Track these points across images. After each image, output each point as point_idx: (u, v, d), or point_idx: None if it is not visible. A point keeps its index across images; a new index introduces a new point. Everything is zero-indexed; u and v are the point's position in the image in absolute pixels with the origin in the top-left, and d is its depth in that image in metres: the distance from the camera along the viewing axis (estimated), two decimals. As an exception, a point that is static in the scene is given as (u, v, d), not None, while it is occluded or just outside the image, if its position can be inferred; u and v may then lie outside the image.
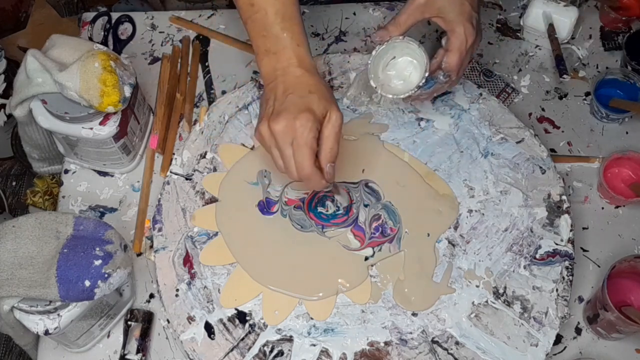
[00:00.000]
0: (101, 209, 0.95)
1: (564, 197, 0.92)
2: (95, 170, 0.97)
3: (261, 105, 0.81)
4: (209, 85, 1.04)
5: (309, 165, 0.77)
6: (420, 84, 0.85)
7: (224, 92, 1.03)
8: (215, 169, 0.95)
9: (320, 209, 0.91)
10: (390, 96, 0.87)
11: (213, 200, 0.93)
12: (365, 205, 0.92)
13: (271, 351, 0.84)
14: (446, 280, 0.88)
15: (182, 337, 0.85)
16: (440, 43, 0.88)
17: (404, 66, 0.90)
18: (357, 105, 0.98)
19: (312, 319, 0.86)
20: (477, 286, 0.87)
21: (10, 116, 1.42)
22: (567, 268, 0.88)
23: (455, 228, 0.91)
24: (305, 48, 0.81)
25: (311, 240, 0.90)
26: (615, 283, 0.83)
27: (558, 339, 0.86)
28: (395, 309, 0.86)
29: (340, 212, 0.91)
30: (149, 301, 0.90)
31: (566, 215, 0.91)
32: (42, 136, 0.96)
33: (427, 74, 0.85)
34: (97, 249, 0.77)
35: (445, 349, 0.84)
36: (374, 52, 0.87)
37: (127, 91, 0.86)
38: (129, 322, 0.87)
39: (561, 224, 0.91)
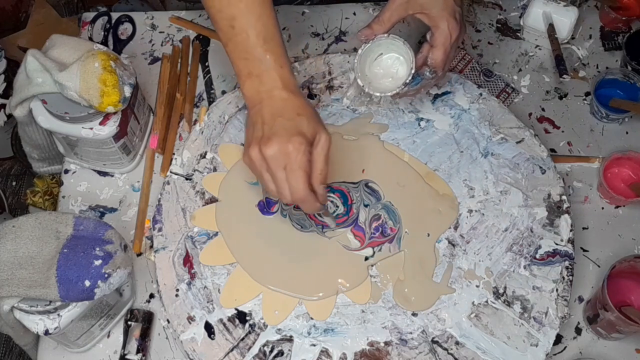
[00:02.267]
0: (101, 209, 0.95)
1: (564, 197, 0.92)
2: (95, 170, 0.97)
3: (247, 128, 0.80)
4: (209, 85, 1.04)
5: (304, 188, 0.76)
6: (407, 81, 0.86)
7: (224, 92, 1.03)
8: (215, 169, 0.95)
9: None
10: (378, 94, 0.87)
11: (213, 200, 0.93)
12: (365, 205, 0.92)
13: (271, 351, 0.84)
14: (446, 280, 0.88)
15: (182, 337, 0.85)
16: (425, 38, 0.88)
17: (390, 63, 0.90)
18: (357, 105, 0.98)
19: (312, 319, 0.86)
20: (477, 286, 0.87)
21: (10, 116, 1.42)
22: (567, 268, 0.88)
23: (455, 228, 0.91)
24: (288, 69, 0.80)
25: (311, 240, 0.90)
26: (615, 283, 0.83)
27: (558, 339, 0.86)
28: (395, 309, 0.86)
29: (340, 212, 0.91)
30: (149, 301, 0.90)
31: (566, 215, 0.91)
32: (42, 136, 0.96)
33: (413, 71, 0.85)
34: (97, 249, 0.77)
35: (445, 349, 0.84)
36: (359, 51, 0.88)
37: (127, 91, 0.86)
38: (129, 322, 0.87)
39: (561, 224, 0.91)
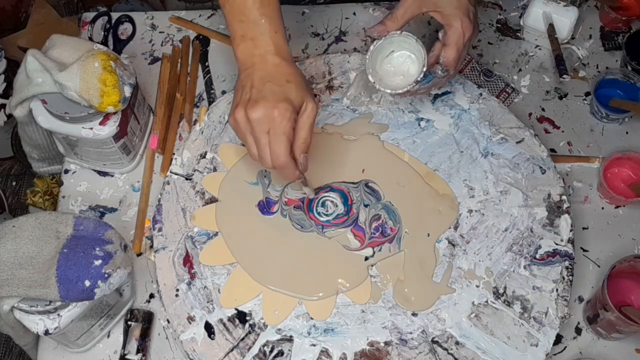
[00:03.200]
0: (101, 209, 0.95)
1: (564, 197, 0.92)
2: (95, 170, 0.97)
3: (236, 90, 0.80)
4: (209, 85, 1.04)
5: (285, 155, 0.77)
6: (419, 79, 0.85)
7: (224, 92, 1.03)
8: (215, 169, 0.95)
9: (320, 209, 0.91)
10: (389, 91, 0.87)
11: (213, 200, 0.93)
12: (366, 205, 0.92)
13: (271, 351, 0.84)
14: (446, 280, 0.88)
15: (182, 337, 0.85)
16: (437, 36, 0.88)
17: (401, 61, 0.90)
18: (357, 105, 0.98)
19: (312, 319, 0.86)
20: (477, 286, 0.87)
21: (10, 116, 1.42)
22: (567, 268, 0.88)
23: (455, 228, 0.91)
24: (282, 35, 0.80)
25: (311, 240, 0.90)
26: (615, 283, 0.83)
27: (558, 339, 0.86)
28: (395, 309, 0.86)
29: (340, 212, 0.91)
30: (149, 301, 0.90)
31: (566, 215, 0.91)
32: (42, 136, 0.96)
33: (425, 69, 0.85)
34: (97, 249, 0.77)
35: (445, 349, 0.84)
36: (371, 47, 0.87)
37: (127, 91, 0.86)
38: (129, 322, 0.87)
39: (561, 224, 0.91)
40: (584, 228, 0.94)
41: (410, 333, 0.85)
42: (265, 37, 0.79)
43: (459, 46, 0.85)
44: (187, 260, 0.89)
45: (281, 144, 0.76)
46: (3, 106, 1.43)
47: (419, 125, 0.97)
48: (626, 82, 1.00)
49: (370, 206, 0.92)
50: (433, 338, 0.85)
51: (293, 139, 0.78)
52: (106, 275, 0.76)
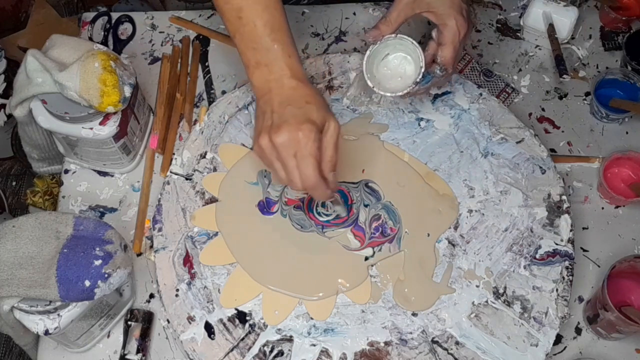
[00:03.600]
0: (101, 209, 0.95)
1: (564, 197, 0.92)
2: (95, 170, 0.97)
3: (257, 118, 0.80)
4: (209, 85, 1.04)
5: (315, 175, 0.76)
6: (418, 80, 0.85)
7: (224, 92, 1.03)
8: (215, 169, 0.95)
9: (320, 209, 0.91)
10: (389, 94, 0.87)
11: (213, 200, 0.93)
12: (366, 205, 0.92)
13: (271, 351, 0.84)
14: (446, 280, 0.88)
15: (182, 337, 0.85)
16: (431, 35, 0.88)
17: (397, 63, 0.90)
18: (357, 105, 0.98)
19: (312, 319, 0.86)
20: (477, 286, 0.87)
21: (10, 116, 1.42)
22: (567, 268, 0.88)
23: (455, 228, 0.91)
24: (296, 58, 0.80)
25: (311, 240, 0.90)
26: (615, 283, 0.83)
27: (558, 339, 0.86)
28: (395, 309, 0.86)
29: (340, 214, 0.91)
30: (149, 301, 0.90)
31: (566, 215, 0.91)
32: (42, 136, 0.96)
33: (423, 69, 0.85)
34: (97, 249, 0.77)
35: (445, 349, 0.84)
36: (367, 52, 0.87)
37: (127, 91, 0.86)
38: (129, 322, 0.87)
39: (561, 224, 0.91)
40: (584, 228, 0.94)
41: (410, 333, 0.85)
42: (280, 62, 0.79)
43: (455, 44, 0.84)
44: (187, 260, 0.89)
45: (310, 165, 0.76)
46: (3, 106, 1.43)
47: (419, 125, 0.97)
48: (626, 82, 1.00)
49: (370, 206, 0.92)
50: (433, 338, 0.85)
51: (320, 159, 0.77)
52: (106, 275, 0.76)
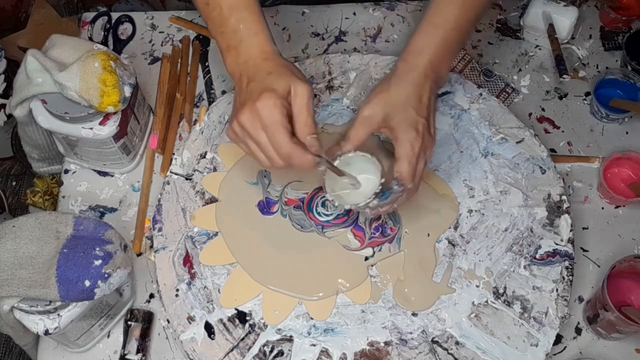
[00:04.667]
0: (101, 209, 0.95)
1: (564, 197, 0.92)
2: (95, 170, 0.97)
3: (234, 106, 0.80)
4: (209, 85, 1.04)
5: (286, 141, 0.73)
6: (376, 191, 0.80)
7: (224, 92, 1.03)
8: (215, 169, 0.95)
9: (320, 209, 0.91)
10: (348, 206, 0.82)
11: (213, 200, 0.93)
12: (365, 205, 0.91)
13: (271, 351, 0.84)
14: (446, 280, 0.88)
15: (182, 337, 0.85)
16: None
17: (360, 172, 0.84)
18: (357, 105, 0.98)
19: (312, 319, 0.86)
20: (477, 286, 0.87)
21: (10, 116, 1.42)
22: (567, 268, 0.88)
23: (455, 228, 0.91)
24: (264, 35, 0.78)
25: (311, 240, 0.90)
26: (615, 283, 0.83)
27: (558, 339, 0.86)
28: (395, 309, 0.86)
29: (340, 212, 0.91)
30: (149, 301, 0.90)
31: (566, 215, 0.91)
32: (42, 136, 0.96)
33: (382, 180, 0.80)
34: (97, 249, 0.77)
35: (445, 349, 0.84)
36: (325, 168, 0.81)
37: (127, 91, 0.86)
38: (129, 322, 0.87)
39: (561, 224, 0.91)
40: (584, 228, 0.94)
41: (410, 333, 0.85)
42: (246, 42, 0.78)
43: (410, 159, 0.78)
44: (187, 260, 0.89)
45: (278, 133, 0.73)
46: (3, 106, 1.43)
47: (419, 125, 0.97)
48: (626, 82, 1.00)
49: (370, 206, 0.91)
50: (433, 338, 0.85)
51: (294, 125, 0.75)
52: (106, 275, 0.76)
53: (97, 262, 0.76)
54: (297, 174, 0.92)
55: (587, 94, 1.04)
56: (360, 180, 0.83)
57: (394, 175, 0.80)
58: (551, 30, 1.04)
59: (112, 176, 0.97)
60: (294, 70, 0.78)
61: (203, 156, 0.95)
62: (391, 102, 0.80)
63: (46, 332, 0.77)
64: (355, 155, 0.82)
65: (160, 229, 0.91)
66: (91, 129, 0.87)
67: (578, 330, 0.89)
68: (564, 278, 0.88)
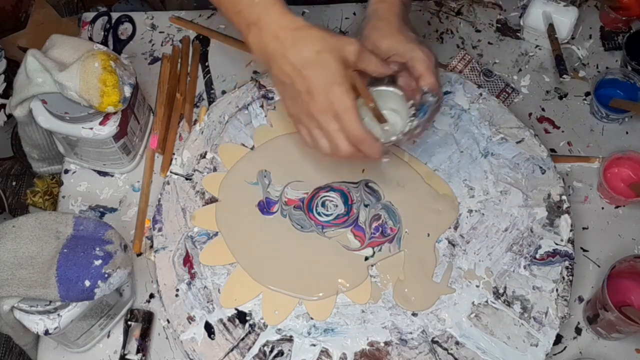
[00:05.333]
0: (101, 209, 0.95)
1: (564, 197, 0.92)
2: (95, 170, 0.97)
3: (277, 87, 0.78)
4: (209, 85, 1.04)
5: (360, 127, 0.74)
6: (413, 114, 0.81)
7: (224, 92, 1.03)
8: (215, 169, 0.95)
9: (320, 209, 0.91)
10: (394, 138, 0.81)
11: (213, 200, 0.93)
12: (366, 205, 0.92)
13: (271, 351, 0.84)
14: (446, 280, 0.88)
15: (182, 337, 0.85)
16: (393, 81, 0.84)
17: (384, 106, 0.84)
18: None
19: (312, 319, 0.86)
20: (477, 286, 0.87)
21: (10, 116, 1.42)
22: (567, 268, 0.88)
23: (455, 228, 0.91)
24: (280, 5, 0.76)
25: (311, 240, 0.90)
26: (615, 283, 0.83)
27: (558, 339, 0.86)
28: (395, 309, 0.86)
29: (340, 212, 0.91)
30: (149, 301, 0.90)
31: (566, 215, 0.91)
32: (42, 136, 0.96)
33: (412, 101, 0.81)
34: (97, 249, 0.77)
35: (445, 349, 0.84)
36: None
37: (127, 91, 0.86)
38: (129, 322, 0.87)
39: (561, 224, 0.91)
40: (584, 228, 0.94)
41: (410, 333, 0.85)
42: (266, 15, 0.75)
43: (432, 69, 0.81)
44: (187, 260, 0.89)
45: (353, 119, 0.73)
46: (3, 106, 1.43)
47: (419, 125, 0.97)
48: (626, 82, 1.00)
49: (371, 206, 0.92)
50: (433, 338, 0.85)
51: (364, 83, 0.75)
52: (106, 275, 0.76)
53: (97, 262, 0.76)
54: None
55: (587, 94, 1.04)
56: (388, 114, 0.83)
57: (424, 90, 0.81)
58: (551, 30, 1.04)
59: (112, 176, 0.97)
60: (331, 33, 0.76)
61: (203, 156, 0.95)
62: (395, 36, 0.82)
63: (46, 332, 0.77)
64: (372, 90, 0.81)
65: (160, 229, 0.91)
66: (91, 129, 0.87)
67: (578, 330, 0.89)
68: (564, 278, 0.88)
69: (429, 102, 0.82)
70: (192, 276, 0.88)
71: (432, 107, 0.83)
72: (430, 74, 0.81)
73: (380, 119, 0.81)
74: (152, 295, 0.90)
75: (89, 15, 1.10)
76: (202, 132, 0.97)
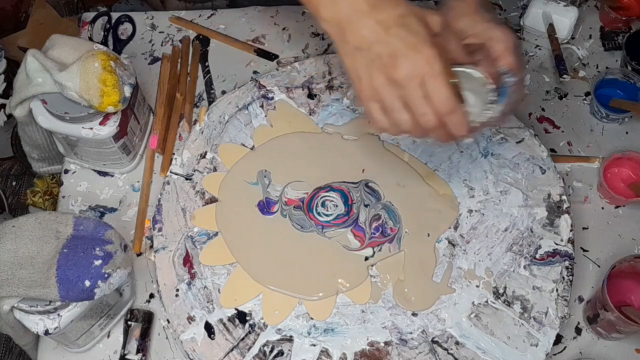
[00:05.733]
0: (101, 209, 0.95)
1: (564, 197, 0.92)
2: (95, 170, 0.97)
3: (347, 57, 0.70)
4: (209, 85, 1.04)
5: (450, 95, 0.67)
6: (492, 101, 0.75)
7: (224, 92, 1.03)
8: (215, 169, 0.95)
9: (320, 209, 0.91)
10: (486, 119, 0.75)
11: (213, 200, 0.93)
12: (366, 205, 0.92)
13: (271, 351, 0.84)
14: (446, 280, 0.88)
15: (182, 337, 0.85)
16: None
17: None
18: (357, 105, 0.98)
19: (312, 319, 0.86)
20: (477, 286, 0.87)
21: (10, 116, 1.42)
22: (567, 268, 0.88)
23: (455, 228, 0.91)
24: None
25: (311, 240, 0.90)
26: (615, 283, 0.83)
27: (558, 339, 0.86)
28: (395, 309, 0.86)
29: (340, 212, 0.91)
30: (149, 301, 0.90)
31: (566, 215, 0.91)
32: (42, 136, 0.96)
33: (489, 84, 0.75)
34: (97, 249, 0.77)
35: (445, 349, 0.84)
36: None
37: (127, 91, 0.86)
38: (129, 322, 0.87)
39: (561, 224, 0.91)
40: (584, 228, 0.94)
41: (410, 333, 0.85)
42: None
43: (511, 49, 0.75)
44: (187, 260, 0.89)
45: (444, 85, 0.66)
46: (3, 106, 1.43)
47: (419, 125, 0.97)
48: (626, 82, 1.00)
49: (371, 206, 0.92)
50: (433, 338, 0.85)
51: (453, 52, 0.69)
52: (106, 275, 0.76)
53: (97, 262, 0.76)
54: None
55: (587, 94, 1.04)
56: (467, 95, 0.75)
57: (502, 71, 0.76)
58: (551, 30, 1.04)
59: (112, 176, 0.97)
60: (411, 5, 0.70)
61: (203, 156, 0.95)
62: (472, 16, 0.76)
63: (46, 332, 0.77)
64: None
65: (160, 229, 0.91)
66: (91, 129, 0.87)
67: (578, 330, 0.89)
68: (564, 278, 0.88)
69: (507, 83, 0.77)
70: (192, 276, 0.88)
71: (511, 87, 0.77)
72: (509, 53, 0.76)
73: (459, 98, 0.72)
74: (152, 295, 0.90)
75: (89, 15, 1.10)
76: (202, 132, 0.97)
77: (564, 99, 1.03)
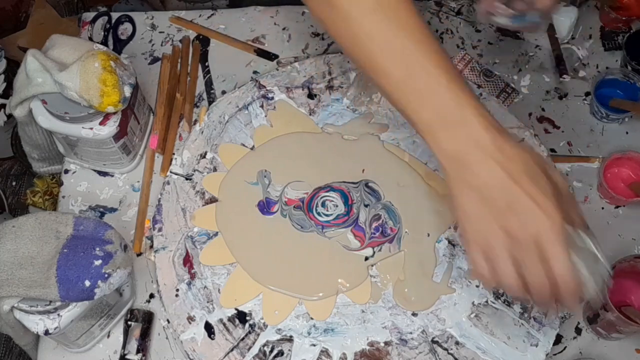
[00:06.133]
0: (101, 209, 0.95)
1: (564, 197, 0.92)
2: (95, 170, 0.97)
3: (462, 198, 0.63)
4: (209, 85, 1.04)
5: (569, 266, 0.62)
6: (606, 276, 0.69)
7: (224, 92, 1.03)
8: (215, 169, 0.95)
9: (320, 210, 0.91)
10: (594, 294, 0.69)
11: (213, 200, 0.93)
12: (366, 205, 0.92)
13: (271, 351, 0.84)
14: (446, 280, 0.88)
15: (182, 337, 0.85)
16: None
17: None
18: (357, 105, 0.98)
19: (312, 319, 0.86)
20: (477, 286, 0.87)
21: (10, 116, 1.42)
22: (567, 268, 0.88)
23: (455, 228, 0.91)
24: (483, 109, 0.64)
25: (311, 240, 0.90)
26: (615, 283, 0.82)
27: (558, 339, 0.86)
28: (395, 309, 0.86)
29: (340, 212, 0.91)
30: (149, 301, 0.90)
31: (566, 215, 0.91)
32: (42, 136, 0.96)
33: (608, 266, 0.69)
34: (97, 249, 0.77)
35: (445, 349, 0.84)
36: None
37: (127, 91, 0.86)
38: (129, 322, 0.87)
39: (561, 224, 0.90)
40: (584, 228, 0.94)
41: (410, 333, 0.85)
42: (472, 119, 0.63)
43: None
44: (187, 260, 0.89)
45: (565, 251, 0.61)
46: (3, 106, 1.43)
47: (419, 125, 0.97)
48: (626, 82, 1.00)
49: (371, 206, 0.92)
50: (433, 338, 0.85)
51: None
52: (106, 275, 0.76)
53: (97, 262, 0.76)
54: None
55: (587, 94, 1.04)
56: (578, 264, 0.67)
57: (538, 6, 0.77)
58: (551, 30, 1.04)
59: (112, 176, 0.97)
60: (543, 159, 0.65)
61: (203, 156, 0.95)
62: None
63: (46, 332, 0.77)
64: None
65: (160, 229, 0.91)
66: (91, 129, 0.87)
67: (578, 330, 0.89)
68: (564, 278, 0.87)
69: (529, 18, 0.78)
70: (192, 276, 0.88)
71: (529, 24, 0.78)
72: None
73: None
74: (152, 295, 0.90)
75: (89, 15, 1.10)
76: (202, 132, 0.97)
77: (564, 99, 1.03)
